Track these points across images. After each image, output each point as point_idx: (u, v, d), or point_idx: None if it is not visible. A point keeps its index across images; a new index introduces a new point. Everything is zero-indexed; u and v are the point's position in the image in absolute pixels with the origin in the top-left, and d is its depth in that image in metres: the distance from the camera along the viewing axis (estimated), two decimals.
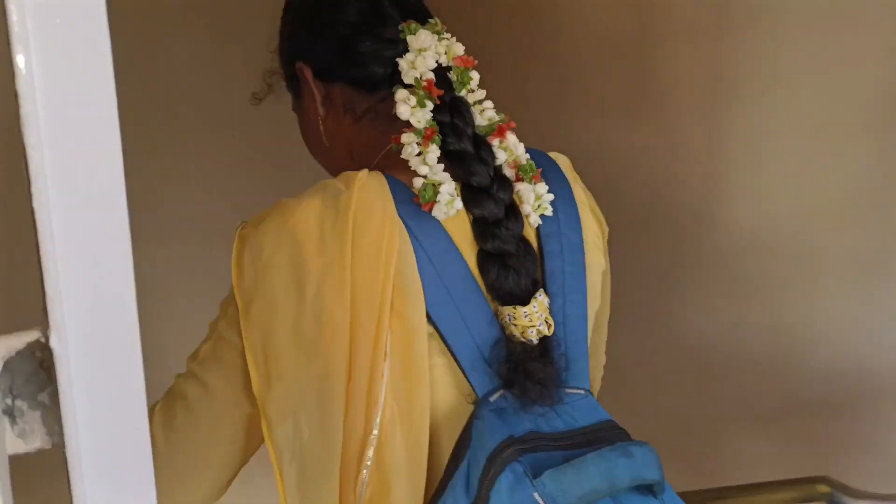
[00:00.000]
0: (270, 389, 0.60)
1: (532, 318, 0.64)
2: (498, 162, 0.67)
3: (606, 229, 0.78)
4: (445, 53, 0.67)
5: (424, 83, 0.64)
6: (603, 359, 0.84)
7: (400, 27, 0.67)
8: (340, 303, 0.60)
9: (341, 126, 0.73)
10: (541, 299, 0.65)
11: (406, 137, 0.64)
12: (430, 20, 0.69)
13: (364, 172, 0.64)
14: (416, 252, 0.63)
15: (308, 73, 0.72)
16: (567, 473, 0.57)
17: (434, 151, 0.63)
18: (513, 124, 0.68)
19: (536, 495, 0.56)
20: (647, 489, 0.62)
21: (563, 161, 0.77)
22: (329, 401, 0.60)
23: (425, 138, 0.63)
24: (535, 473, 0.57)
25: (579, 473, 0.58)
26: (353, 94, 0.72)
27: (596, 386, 0.82)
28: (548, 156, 0.76)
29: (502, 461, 0.58)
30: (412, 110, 0.64)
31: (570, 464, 0.58)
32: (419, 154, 0.63)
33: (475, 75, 0.68)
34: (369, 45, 0.69)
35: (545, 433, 0.62)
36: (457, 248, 0.65)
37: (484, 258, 0.65)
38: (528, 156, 0.68)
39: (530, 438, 0.60)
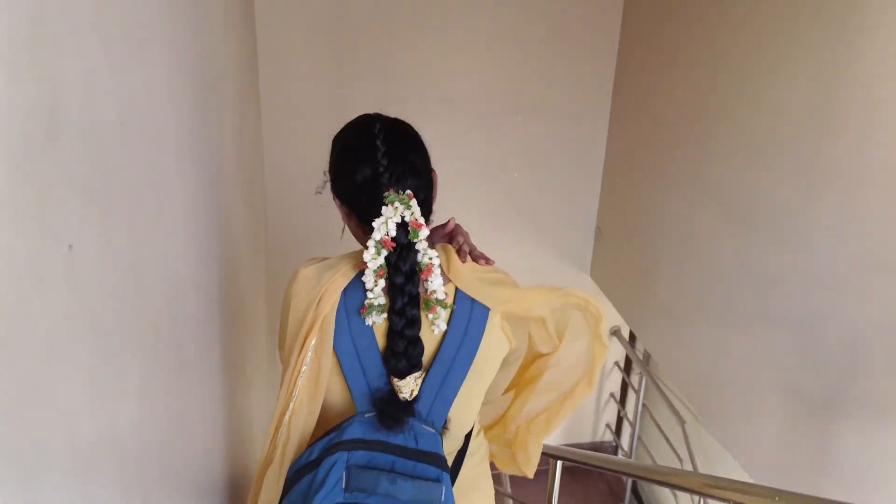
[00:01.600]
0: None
1: (401, 388, 1.08)
2: (428, 288, 1.06)
3: (513, 342, 1.18)
4: (406, 216, 1.01)
5: (384, 239, 1.01)
6: (503, 388, 1.41)
7: (385, 194, 1.01)
8: (291, 332, 1.08)
9: (354, 229, 1.13)
10: (410, 378, 1.07)
11: (366, 273, 1.03)
12: (404, 193, 1.02)
13: (343, 269, 1.08)
14: (339, 326, 1.07)
15: (336, 200, 1.12)
16: (368, 473, 1.01)
17: (377, 287, 1.04)
18: (433, 268, 1.05)
19: (344, 475, 1.01)
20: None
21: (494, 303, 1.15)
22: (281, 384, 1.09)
23: (378, 275, 1.03)
24: (356, 462, 1.02)
25: (378, 478, 1.01)
26: (356, 219, 1.09)
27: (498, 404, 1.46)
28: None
29: (344, 446, 1.02)
30: (372, 258, 1.02)
31: (372, 471, 1.02)
32: (373, 284, 1.03)
33: (423, 233, 1.02)
34: (365, 201, 1.04)
35: (385, 442, 1.05)
36: (374, 335, 1.08)
37: (387, 343, 1.07)
38: (440, 291, 1.06)
39: (372, 442, 1.04)
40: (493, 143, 3.27)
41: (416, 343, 1.07)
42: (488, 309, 1.11)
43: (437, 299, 1.06)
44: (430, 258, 1.04)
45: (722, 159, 2.28)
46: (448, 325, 1.09)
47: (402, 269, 1.03)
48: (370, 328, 1.08)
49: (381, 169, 1.03)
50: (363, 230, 1.07)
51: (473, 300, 1.11)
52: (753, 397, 2.13)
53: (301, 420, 1.09)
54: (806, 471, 1.88)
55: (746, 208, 2.14)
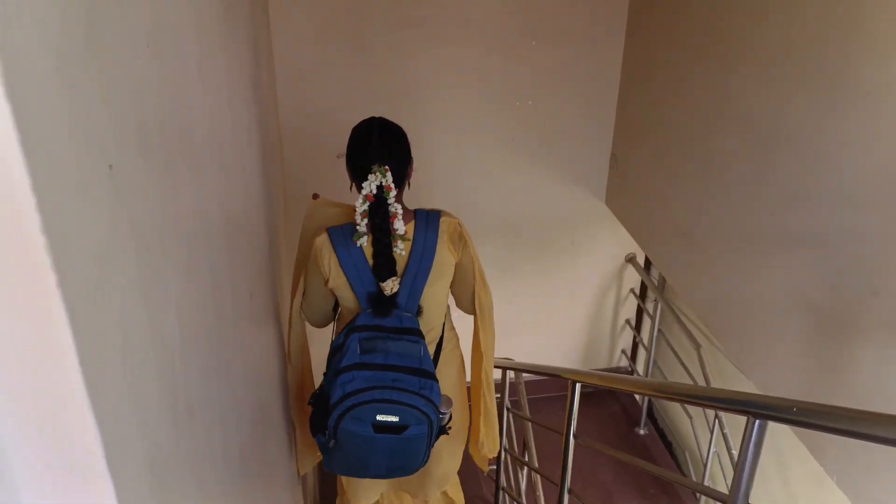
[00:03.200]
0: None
1: (385, 288, 1.70)
2: (393, 226, 1.65)
3: (463, 245, 1.82)
4: (382, 182, 1.61)
5: (368, 195, 1.62)
6: (473, 289, 1.89)
7: (373, 168, 1.61)
8: (301, 259, 1.87)
9: (356, 190, 1.68)
10: (389, 281, 1.70)
11: (356, 215, 1.64)
12: (383, 166, 1.62)
13: (335, 215, 1.88)
14: (342, 256, 1.71)
15: (348, 170, 1.74)
16: (372, 342, 1.66)
17: (363, 222, 1.64)
18: (398, 214, 1.65)
19: (357, 345, 1.64)
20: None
21: (445, 222, 1.78)
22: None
23: (362, 216, 1.63)
24: (363, 337, 1.66)
25: (377, 342, 1.66)
26: (357, 183, 1.68)
27: (471, 302, 1.92)
28: (440, 217, 1.78)
29: (356, 330, 1.67)
30: (360, 205, 1.63)
31: (374, 340, 1.67)
32: (360, 220, 1.64)
33: (391, 194, 1.62)
34: (359, 172, 1.65)
35: (380, 325, 1.69)
36: (365, 258, 1.72)
37: (373, 261, 1.71)
38: (401, 229, 1.66)
39: (372, 326, 1.69)
40: (509, 68, 3.22)
41: (390, 258, 1.68)
42: (436, 235, 1.75)
43: (398, 234, 1.65)
44: (395, 209, 1.63)
45: (743, 78, 2.24)
46: (411, 250, 1.74)
47: (377, 213, 1.63)
48: (363, 255, 1.71)
49: (371, 151, 1.64)
50: (359, 190, 1.64)
51: (427, 232, 1.75)
52: (771, 318, 2.15)
53: (311, 303, 1.89)
54: (822, 388, 1.92)
55: (769, 127, 2.12)
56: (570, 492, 2.04)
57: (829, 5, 1.81)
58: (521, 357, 4.12)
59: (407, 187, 1.75)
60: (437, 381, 1.65)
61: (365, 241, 1.66)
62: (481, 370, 2.00)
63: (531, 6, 3.11)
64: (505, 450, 2.91)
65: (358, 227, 1.63)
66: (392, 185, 1.60)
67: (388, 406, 1.57)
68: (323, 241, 1.72)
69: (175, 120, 0.77)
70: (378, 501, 2.33)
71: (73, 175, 0.45)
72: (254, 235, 1.52)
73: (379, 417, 1.56)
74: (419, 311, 1.76)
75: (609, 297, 4.10)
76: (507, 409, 2.82)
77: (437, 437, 1.70)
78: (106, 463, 0.46)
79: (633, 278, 4.06)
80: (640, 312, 4.15)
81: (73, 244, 0.43)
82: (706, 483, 3.22)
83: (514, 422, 3.11)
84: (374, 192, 1.60)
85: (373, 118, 1.72)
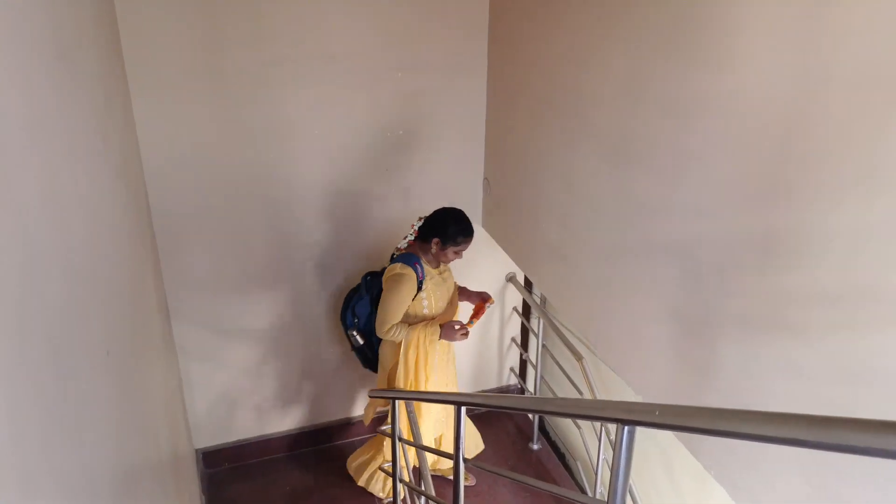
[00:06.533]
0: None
1: None
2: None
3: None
4: (408, 235, 3.14)
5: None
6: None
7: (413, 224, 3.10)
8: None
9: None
10: None
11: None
12: (414, 228, 3.09)
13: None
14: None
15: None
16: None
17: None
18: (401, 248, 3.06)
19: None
20: None
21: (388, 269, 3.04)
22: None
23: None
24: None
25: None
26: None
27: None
28: (390, 264, 3.06)
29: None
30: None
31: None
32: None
33: (402, 243, 3.08)
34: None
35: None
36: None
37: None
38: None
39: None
40: (378, 101, 3.24)
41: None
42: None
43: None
44: (403, 245, 3.02)
45: (595, 98, 2.36)
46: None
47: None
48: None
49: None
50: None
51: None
52: (642, 326, 2.25)
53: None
54: (692, 387, 2.02)
55: (621, 144, 2.23)
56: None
57: (665, 28, 1.93)
58: None
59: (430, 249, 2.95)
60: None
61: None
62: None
63: (395, 41, 3.15)
64: (401, 481, 2.87)
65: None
66: (409, 238, 3.05)
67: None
68: None
69: None
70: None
71: None
72: (111, 291, 1.44)
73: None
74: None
75: (493, 318, 4.16)
76: (399, 440, 2.79)
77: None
78: None
79: (515, 297, 4.15)
80: (524, 330, 4.24)
81: None
82: (598, 489, 3.31)
83: (406, 451, 3.08)
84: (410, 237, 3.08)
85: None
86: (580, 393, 3.52)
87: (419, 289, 2.96)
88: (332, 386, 3.95)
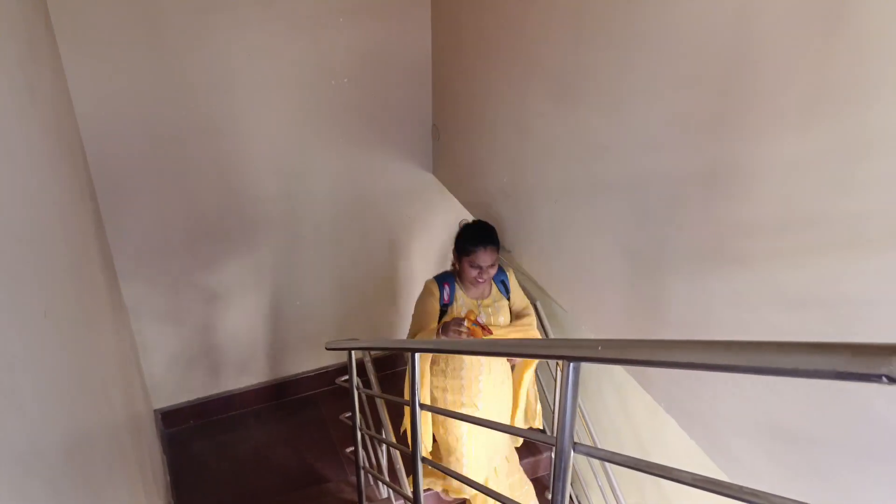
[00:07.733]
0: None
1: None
2: None
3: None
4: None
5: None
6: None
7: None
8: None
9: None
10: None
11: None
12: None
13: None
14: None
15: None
16: None
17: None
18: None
19: None
20: None
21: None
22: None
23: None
24: None
25: None
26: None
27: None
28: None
29: None
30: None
31: None
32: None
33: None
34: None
35: None
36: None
37: None
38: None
39: None
40: (320, 48, 3.15)
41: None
42: None
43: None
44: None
45: (542, 36, 2.32)
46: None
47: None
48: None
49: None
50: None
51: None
52: (595, 264, 2.28)
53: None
54: (646, 322, 2.05)
55: (569, 83, 2.21)
56: (423, 460, 2.06)
57: None
58: (376, 334, 4.12)
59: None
60: None
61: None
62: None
63: None
64: (360, 430, 2.89)
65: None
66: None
67: None
68: None
69: None
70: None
71: None
72: (48, 249, 1.38)
73: None
74: None
75: (446, 263, 4.18)
76: (357, 389, 2.80)
77: None
78: None
79: None
80: None
81: None
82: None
83: (368, 401, 3.10)
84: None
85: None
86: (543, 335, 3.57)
87: (443, 312, 2.73)
88: (291, 340, 3.94)
